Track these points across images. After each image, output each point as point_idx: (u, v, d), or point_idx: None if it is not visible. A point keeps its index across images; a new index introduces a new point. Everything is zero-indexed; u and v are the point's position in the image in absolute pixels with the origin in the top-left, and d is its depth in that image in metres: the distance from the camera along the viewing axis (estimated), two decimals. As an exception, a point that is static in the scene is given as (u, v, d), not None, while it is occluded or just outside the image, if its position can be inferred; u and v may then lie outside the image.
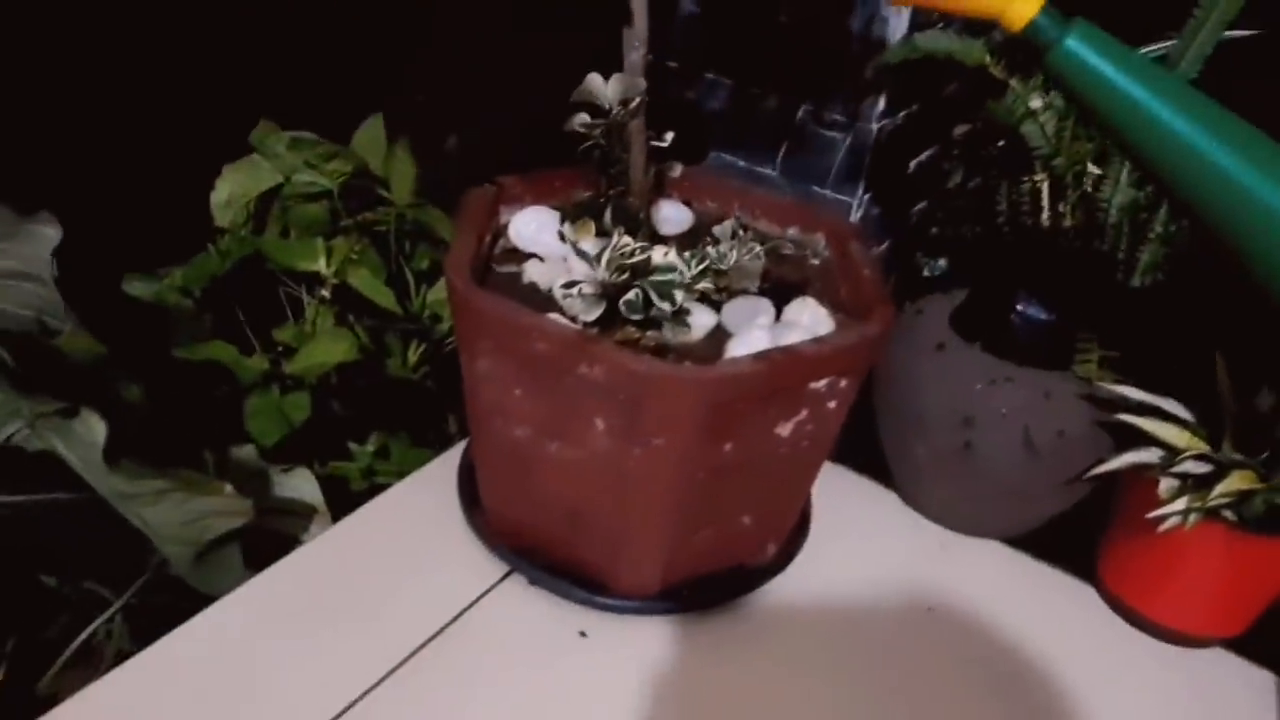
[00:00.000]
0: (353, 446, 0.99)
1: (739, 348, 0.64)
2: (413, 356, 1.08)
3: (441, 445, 0.88)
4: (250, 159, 1.01)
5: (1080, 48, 0.54)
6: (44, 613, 0.78)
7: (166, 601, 0.79)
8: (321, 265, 0.99)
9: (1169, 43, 0.75)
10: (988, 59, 0.79)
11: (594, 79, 0.63)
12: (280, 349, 0.98)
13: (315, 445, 0.95)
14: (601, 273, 0.63)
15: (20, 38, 0.84)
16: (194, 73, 0.96)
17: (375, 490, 0.82)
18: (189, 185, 0.98)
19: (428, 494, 0.80)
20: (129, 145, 0.92)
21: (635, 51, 0.62)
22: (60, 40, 0.86)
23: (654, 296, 0.64)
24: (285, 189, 1.02)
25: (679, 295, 0.64)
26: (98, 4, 0.89)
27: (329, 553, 0.75)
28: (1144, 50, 0.76)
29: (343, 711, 0.62)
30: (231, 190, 1.01)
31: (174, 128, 0.94)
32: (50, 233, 0.76)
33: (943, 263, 1.04)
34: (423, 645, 0.68)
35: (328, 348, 0.93)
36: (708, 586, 0.73)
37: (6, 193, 0.78)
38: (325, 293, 1.00)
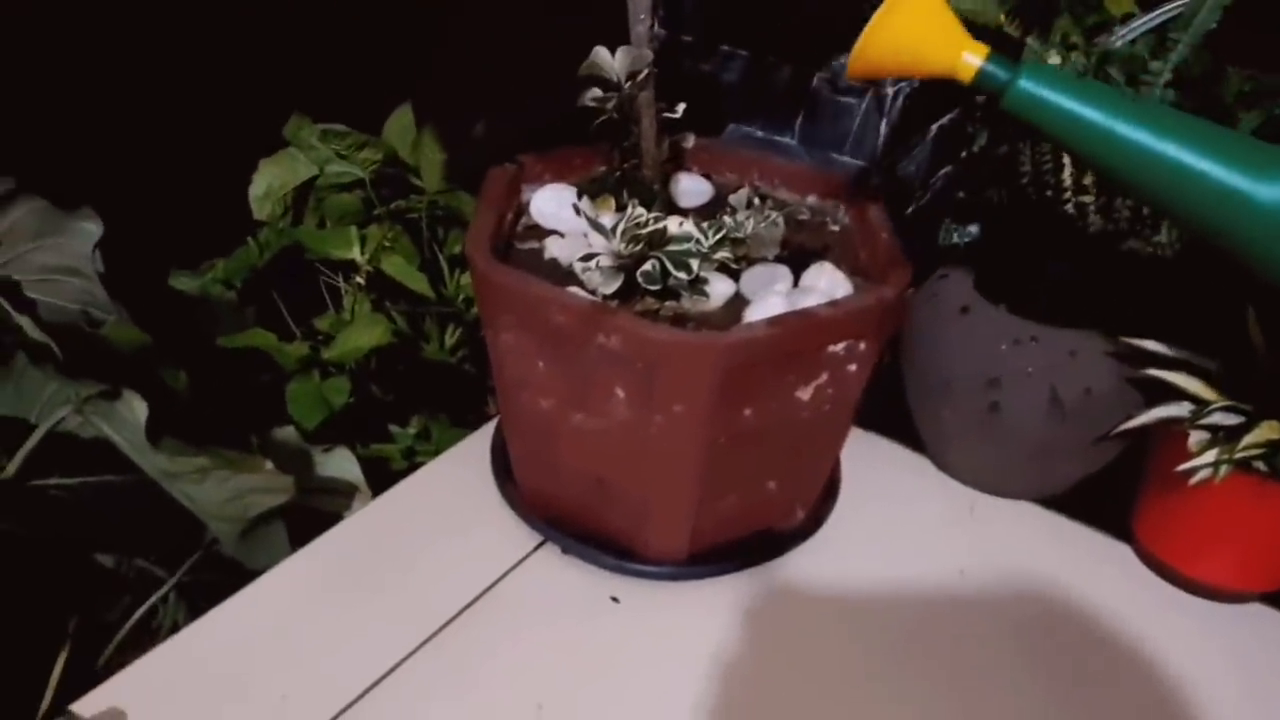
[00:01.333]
0: (394, 429, 1.02)
1: (756, 313, 0.65)
2: (450, 340, 1.10)
3: (480, 425, 0.90)
4: (285, 152, 1.05)
5: (1033, 86, 0.55)
6: (103, 592, 0.82)
7: (219, 578, 0.82)
8: (356, 253, 1.02)
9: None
10: (1003, 19, 0.78)
11: (600, 53, 0.64)
12: (320, 336, 1.01)
13: (357, 429, 0.98)
14: (617, 245, 0.64)
15: (58, 40, 0.87)
16: (227, 70, 0.99)
17: (415, 470, 0.84)
18: (227, 180, 1.01)
19: (463, 469, 0.82)
20: (168, 143, 0.95)
21: (640, 24, 0.62)
22: (97, 42, 0.89)
23: (670, 266, 0.65)
24: (319, 180, 1.05)
25: (695, 264, 0.65)
26: (135, 6, 0.92)
27: (368, 527, 0.77)
28: (1163, 8, 0.75)
29: (383, 677, 0.65)
30: (268, 183, 1.04)
31: (210, 125, 0.97)
32: (92, 228, 0.79)
33: (974, 229, 1.03)
34: (460, 612, 0.70)
35: (363, 333, 0.95)
36: (736, 551, 0.74)
37: (49, 190, 0.82)
38: (361, 280, 1.03)
